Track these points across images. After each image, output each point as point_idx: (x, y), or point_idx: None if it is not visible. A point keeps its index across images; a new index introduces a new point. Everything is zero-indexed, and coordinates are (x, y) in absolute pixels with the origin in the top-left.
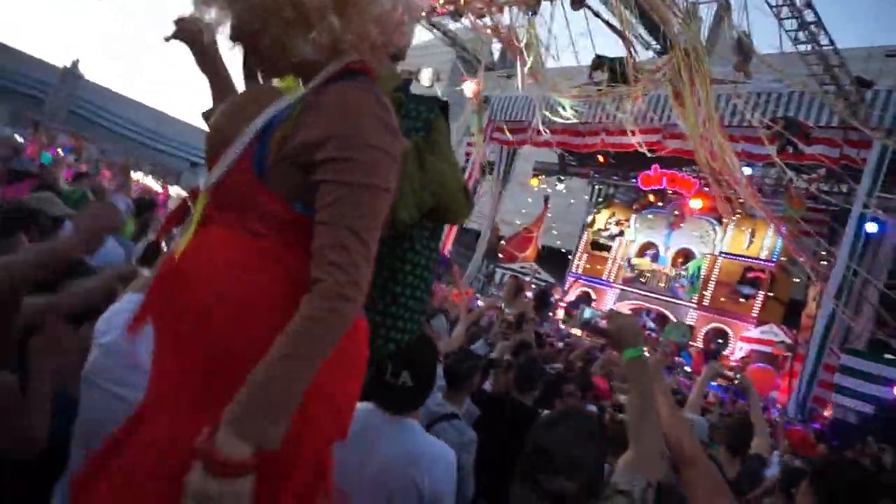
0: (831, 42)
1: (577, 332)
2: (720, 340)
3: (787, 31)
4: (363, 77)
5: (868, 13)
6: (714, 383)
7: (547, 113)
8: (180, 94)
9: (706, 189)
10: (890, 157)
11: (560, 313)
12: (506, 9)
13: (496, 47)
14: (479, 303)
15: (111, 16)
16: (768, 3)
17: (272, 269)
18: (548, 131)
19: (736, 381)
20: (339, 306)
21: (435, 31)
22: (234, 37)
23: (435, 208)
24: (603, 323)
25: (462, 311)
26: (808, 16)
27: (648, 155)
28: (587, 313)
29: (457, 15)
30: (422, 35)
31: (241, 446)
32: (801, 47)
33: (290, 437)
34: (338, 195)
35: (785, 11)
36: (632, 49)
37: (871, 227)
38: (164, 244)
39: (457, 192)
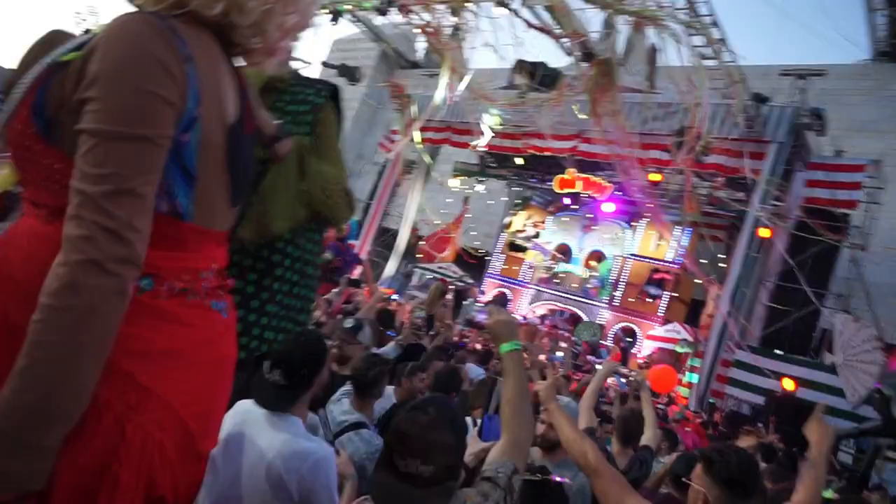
0: (733, 59)
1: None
2: (629, 339)
3: (694, 47)
4: (162, 14)
5: (765, 34)
6: (622, 380)
7: (488, 119)
8: None
9: (618, 193)
10: (782, 168)
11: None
12: (432, 7)
13: (421, 45)
14: (401, 302)
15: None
16: (678, 19)
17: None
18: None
19: (631, 378)
20: (70, 296)
21: (360, 25)
22: None
23: (314, 212)
24: (482, 318)
25: (370, 309)
26: (714, 33)
27: (566, 161)
28: (470, 311)
29: (382, 11)
30: (346, 30)
31: None
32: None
33: (100, 452)
34: (86, 147)
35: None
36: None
37: (763, 233)
38: None
39: (338, 195)
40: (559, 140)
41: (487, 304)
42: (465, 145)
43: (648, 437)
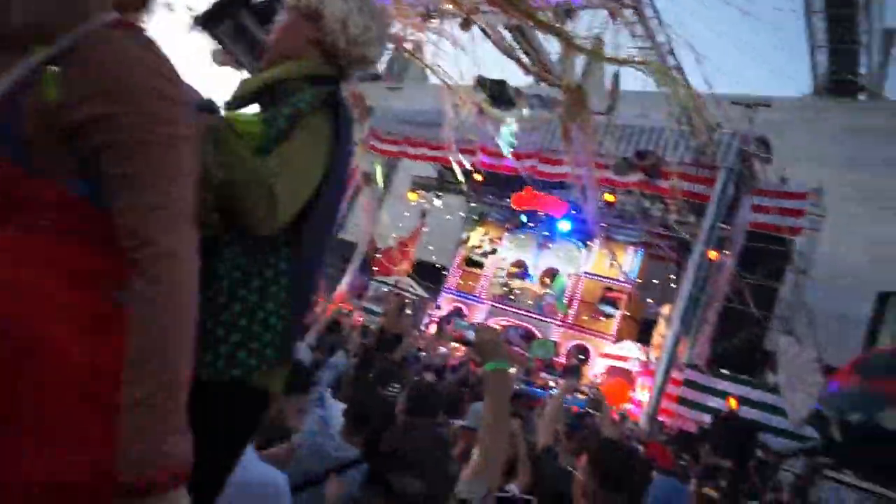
0: (688, 86)
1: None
2: (581, 356)
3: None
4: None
5: (719, 63)
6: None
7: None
8: None
9: (574, 212)
10: (731, 194)
11: (433, 328)
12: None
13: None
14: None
15: None
16: (636, 46)
17: (47, 276)
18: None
19: (591, 396)
20: (168, 266)
21: None
22: None
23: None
24: (470, 335)
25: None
26: (670, 61)
27: (525, 178)
28: (458, 325)
29: None
30: None
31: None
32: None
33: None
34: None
35: (650, 55)
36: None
37: (712, 255)
38: None
39: (255, 186)
40: (518, 159)
41: (479, 325)
42: (421, 158)
43: None
